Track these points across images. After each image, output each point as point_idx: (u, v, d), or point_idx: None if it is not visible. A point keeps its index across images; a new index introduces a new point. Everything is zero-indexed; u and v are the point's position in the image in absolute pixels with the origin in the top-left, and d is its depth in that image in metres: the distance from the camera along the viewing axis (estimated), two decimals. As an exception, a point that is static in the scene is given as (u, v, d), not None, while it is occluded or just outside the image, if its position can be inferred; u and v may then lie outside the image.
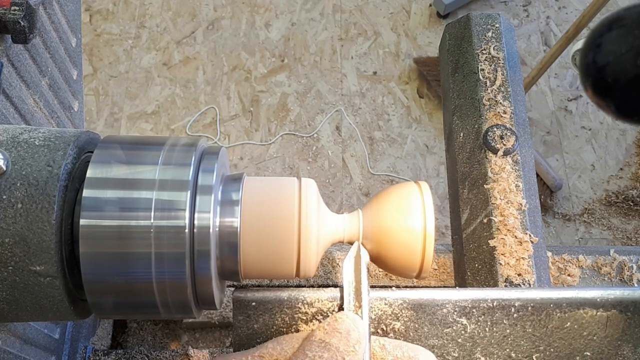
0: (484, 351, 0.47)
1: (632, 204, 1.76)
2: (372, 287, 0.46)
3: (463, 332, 0.47)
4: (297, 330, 0.45)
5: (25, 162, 0.40)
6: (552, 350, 0.47)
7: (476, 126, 0.73)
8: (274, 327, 0.46)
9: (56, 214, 0.39)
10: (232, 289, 0.68)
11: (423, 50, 2.06)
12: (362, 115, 1.92)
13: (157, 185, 0.41)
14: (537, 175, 1.55)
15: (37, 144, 0.41)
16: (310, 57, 2.04)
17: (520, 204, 0.66)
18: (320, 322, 0.45)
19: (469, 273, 0.67)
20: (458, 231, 0.72)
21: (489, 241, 0.65)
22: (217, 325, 1.16)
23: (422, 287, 0.72)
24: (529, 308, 0.47)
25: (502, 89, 0.74)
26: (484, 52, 0.77)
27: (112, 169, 0.41)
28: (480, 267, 0.66)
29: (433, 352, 0.46)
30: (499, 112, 0.72)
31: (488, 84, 0.75)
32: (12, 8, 0.59)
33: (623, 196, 1.78)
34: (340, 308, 0.45)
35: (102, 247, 0.40)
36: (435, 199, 1.72)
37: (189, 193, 0.41)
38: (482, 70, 0.75)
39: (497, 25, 0.79)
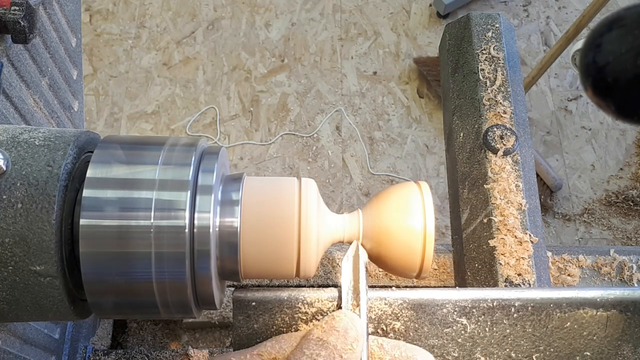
0: (484, 351, 0.47)
1: (632, 204, 1.77)
2: (372, 287, 0.46)
3: (463, 332, 0.47)
4: (297, 330, 0.45)
5: (25, 162, 0.40)
6: (552, 350, 0.47)
7: (476, 126, 0.73)
8: (274, 327, 0.46)
9: (56, 214, 0.39)
10: (232, 289, 0.68)
11: (423, 50, 2.06)
12: (362, 115, 1.92)
13: (157, 185, 0.41)
14: (537, 175, 1.55)
15: (37, 144, 0.41)
16: (310, 57, 2.04)
17: (520, 204, 0.66)
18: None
19: (469, 273, 0.67)
20: (458, 231, 0.72)
21: (489, 241, 0.65)
22: (217, 325, 1.16)
23: (422, 287, 0.72)
24: (529, 308, 0.47)
25: (502, 89, 0.74)
26: (484, 52, 0.77)
27: (112, 169, 0.41)
28: (480, 267, 0.66)
29: (433, 352, 0.46)
30: (499, 112, 0.72)
31: (488, 84, 0.75)
32: (12, 8, 0.59)
33: (623, 196, 1.78)
34: (339, 307, 0.45)
35: (102, 247, 0.40)
36: (435, 199, 1.72)
37: (189, 193, 0.41)
38: (482, 70, 0.75)
39: (497, 25, 0.79)
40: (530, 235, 0.65)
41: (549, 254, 0.82)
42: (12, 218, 0.39)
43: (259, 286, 0.88)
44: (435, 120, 1.92)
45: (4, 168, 0.39)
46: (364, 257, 0.46)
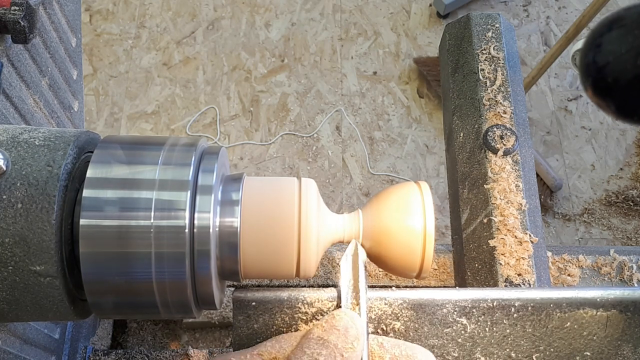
0: (484, 351, 0.47)
1: (632, 204, 1.77)
2: (372, 287, 0.46)
3: (463, 332, 0.47)
4: (297, 330, 0.45)
5: (25, 162, 0.40)
6: (552, 350, 0.47)
7: (476, 126, 0.73)
8: (274, 327, 0.46)
9: (56, 214, 0.39)
10: (232, 289, 0.68)
11: (423, 50, 2.06)
12: (362, 115, 1.92)
13: (157, 185, 0.41)
14: (537, 175, 1.55)
15: (37, 144, 0.41)
16: (310, 57, 2.04)
17: (520, 204, 0.66)
18: (320, 322, 0.45)
19: (469, 273, 0.67)
20: (458, 231, 0.72)
21: (489, 241, 0.65)
22: (217, 325, 1.16)
23: (422, 287, 0.72)
24: (529, 308, 0.47)
25: (502, 89, 0.74)
26: (484, 52, 0.77)
27: (112, 169, 0.41)
28: (480, 267, 0.66)
29: (433, 352, 0.46)
30: (499, 112, 0.72)
31: (488, 84, 0.75)
32: (12, 8, 0.59)
33: (623, 196, 1.78)
34: (339, 307, 0.45)
35: (102, 247, 0.40)
36: (435, 199, 1.72)
37: (189, 193, 0.41)
38: (482, 70, 0.75)
39: (497, 25, 0.79)
40: (530, 235, 0.65)
41: (549, 254, 0.82)
42: (12, 218, 0.39)
43: (259, 286, 0.88)
44: (435, 120, 1.92)
45: (4, 168, 0.39)
46: (362, 255, 0.46)
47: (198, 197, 0.41)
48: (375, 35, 2.09)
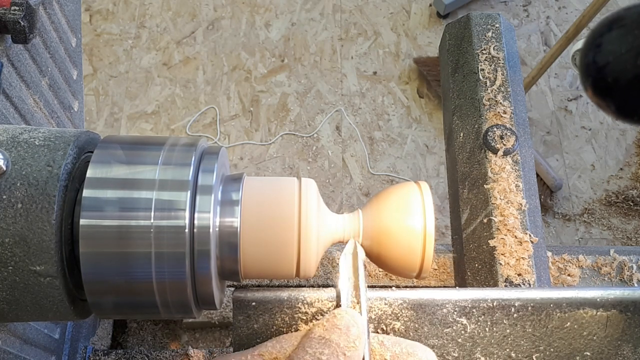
0: (484, 351, 0.47)
1: (632, 204, 1.77)
2: (372, 287, 0.46)
3: (463, 332, 0.47)
4: (297, 330, 0.45)
5: (25, 162, 0.40)
6: (552, 350, 0.47)
7: (476, 126, 0.73)
8: (274, 327, 0.46)
9: (56, 214, 0.39)
10: (232, 289, 0.68)
11: (423, 50, 2.06)
12: (362, 115, 1.92)
13: (157, 185, 0.41)
14: (537, 175, 1.55)
15: (37, 144, 0.41)
16: (310, 57, 2.04)
17: (520, 204, 0.66)
18: (320, 322, 0.45)
19: (469, 273, 0.67)
20: (458, 231, 0.72)
21: (489, 241, 0.65)
22: (217, 325, 1.16)
23: (422, 287, 0.72)
24: (529, 308, 0.47)
25: (502, 89, 0.74)
26: (484, 52, 0.77)
27: (112, 169, 0.41)
28: (480, 267, 0.66)
29: (433, 351, 0.46)
30: (499, 112, 0.72)
31: (488, 84, 0.75)
32: (12, 8, 0.59)
33: (623, 196, 1.78)
34: (338, 306, 0.45)
35: (102, 247, 0.40)
36: (435, 199, 1.72)
37: (189, 193, 0.41)
38: (482, 70, 0.75)
39: (497, 25, 0.79)
40: (530, 235, 0.65)
41: (549, 254, 0.82)
42: (12, 218, 0.39)
43: (259, 286, 0.88)
44: (435, 120, 1.92)
45: (4, 168, 0.39)
46: (361, 254, 0.46)
47: (198, 197, 0.41)
48: (375, 35, 2.09)
